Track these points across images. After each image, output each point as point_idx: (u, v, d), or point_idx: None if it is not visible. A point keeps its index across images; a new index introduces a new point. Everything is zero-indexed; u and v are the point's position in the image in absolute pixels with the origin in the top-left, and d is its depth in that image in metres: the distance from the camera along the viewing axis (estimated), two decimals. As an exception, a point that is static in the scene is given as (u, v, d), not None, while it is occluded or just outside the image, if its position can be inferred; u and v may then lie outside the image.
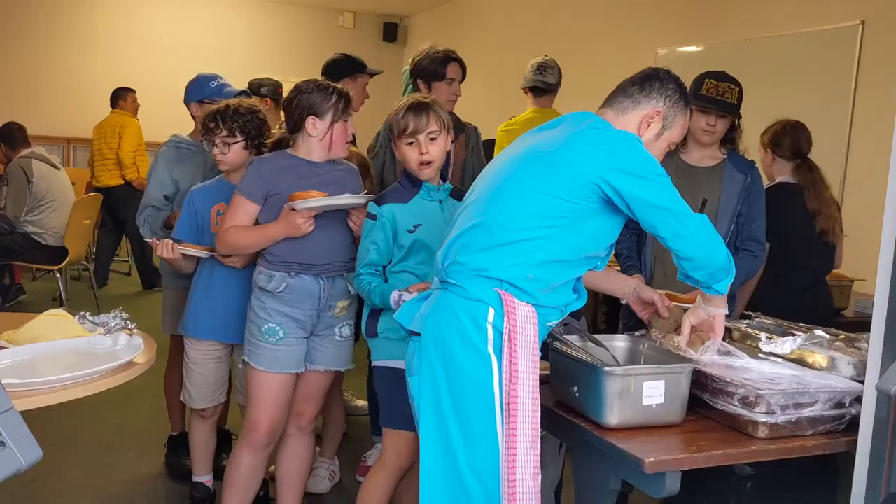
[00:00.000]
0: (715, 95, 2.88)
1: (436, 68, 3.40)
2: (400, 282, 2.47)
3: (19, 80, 8.99)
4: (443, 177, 2.65)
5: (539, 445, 1.91)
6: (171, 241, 2.83)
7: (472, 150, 3.47)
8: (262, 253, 2.66)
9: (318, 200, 2.53)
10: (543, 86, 4.27)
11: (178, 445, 3.49)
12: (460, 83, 3.45)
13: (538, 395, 1.92)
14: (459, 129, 3.46)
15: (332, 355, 2.75)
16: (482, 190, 2.05)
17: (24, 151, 5.88)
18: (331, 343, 2.74)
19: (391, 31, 10.49)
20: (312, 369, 2.73)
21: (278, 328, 2.62)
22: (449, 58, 3.41)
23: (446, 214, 2.50)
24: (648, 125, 2.06)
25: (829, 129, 4.41)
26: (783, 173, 3.48)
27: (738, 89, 2.91)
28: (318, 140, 2.64)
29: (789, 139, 3.46)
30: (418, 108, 2.48)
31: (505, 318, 1.90)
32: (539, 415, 1.91)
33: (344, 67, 3.92)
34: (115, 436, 3.93)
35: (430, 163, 2.49)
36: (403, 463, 2.54)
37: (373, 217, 2.52)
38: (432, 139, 2.49)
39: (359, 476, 3.48)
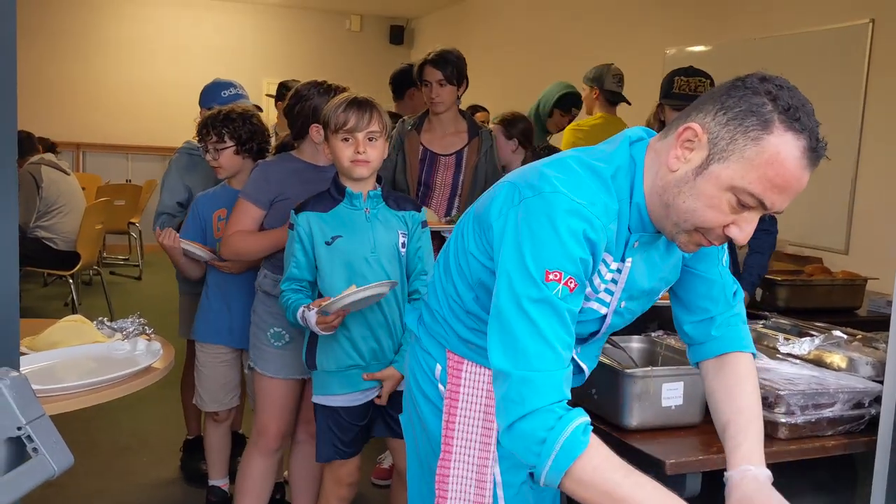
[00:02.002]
0: (688, 91, 2.88)
1: (417, 73, 3.40)
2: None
3: (29, 85, 9.04)
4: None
5: None
6: (172, 230, 2.85)
7: (485, 155, 3.42)
8: (266, 257, 2.64)
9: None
10: (620, 97, 4.30)
11: (194, 449, 3.51)
12: (441, 84, 3.32)
13: (487, 477, 1.56)
14: (473, 132, 3.44)
15: None
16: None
17: (34, 158, 5.91)
18: None
19: (398, 34, 10.51)
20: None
21: (284, 332, 2.60)
22: (424, 60, 3.37)
23: (374, 226, 2.30)
24: (684, 152, 1.30)
25: (839, 128, 4.41)
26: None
27: (709, 81, 2.91)
28: (316, 144, 2.59)
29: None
30: (361, 105, 2.26)
31: (448, 380, 1.60)
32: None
33: (409, 77, 4.00)
34: (131, 440, 3.94)
35: (366, 161, 2.25)
36: (343, 493, 2.48)
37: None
38: (371, 139, 2.25)
39: (374, 479, 3.49)
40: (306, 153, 2.65)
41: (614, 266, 1.42)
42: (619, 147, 1.41)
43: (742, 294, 1.63)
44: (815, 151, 1.24)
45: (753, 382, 1.55)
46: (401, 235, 2.35)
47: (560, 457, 1.22)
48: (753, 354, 1.60)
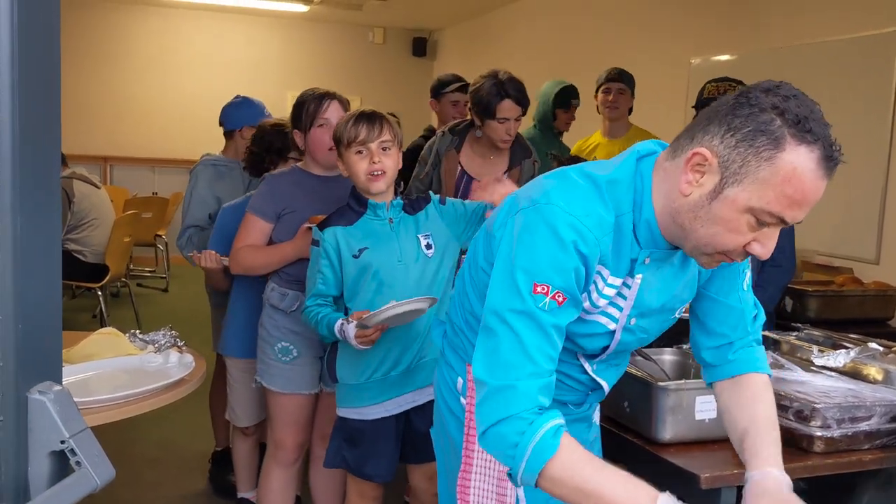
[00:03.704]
0: (715, 96, 2.87)
1: (486, 105, 3.09)
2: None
3: (57, 100, 9.15)
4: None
5: None
6: (213, 251, 2.84)
7: None
8: (275, 270, 2.63)
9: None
10: None
11: (223, 461, 3.52)
12: (518, 119, 3.11)
13: (507, 490, 1.56)
14: (516, 159, 3.19)
15: None
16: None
17: (65, 172, 5.97)
18: None
19: (420, 46, 10.55)
20: (328, 391, 2.66)
21: (292, 347, 2.58)
22: (501, 94, 3.06)
23: (398, 234, 2.30)
24: (696, 176, 1.27)
25: (868, 137, 4.37)
26: None
27: (738, 87, 2.89)
28: (307, 152, 2.63)
29: None
30: (371, 118, 2.28)
31: (467, 395, 1.61)
32: None
33: (431, 91, 4.10)
34: (160, 451, 3.97)
35: (382, 173, 2.26)
36: None
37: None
38: (384, 149, 2.28)
39: (407, 497, 3.46)
40: (312, 164, 2.66)
41: (613, 281, 1.39)
42: (625, 160, 1.39)
43: (763, 318, 1.58)
44: (831, 159, 1.21)
45: (770, 397, 1.52)
46: (422, 239, 2.33)
47: (532, 460, 1.25)
48: (770, 376, 1.57)
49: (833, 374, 2.10)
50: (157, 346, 2.40)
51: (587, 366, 1.55)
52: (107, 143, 9.45)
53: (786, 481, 1.36)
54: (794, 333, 2.45)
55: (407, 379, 2.34)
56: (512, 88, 3.08)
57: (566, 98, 4.45)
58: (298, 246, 2.52)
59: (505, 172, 3.18)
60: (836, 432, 1.88)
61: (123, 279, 6.70)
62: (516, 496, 1.58)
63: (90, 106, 9.36)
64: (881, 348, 2.19)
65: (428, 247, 2.33)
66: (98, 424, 1.97)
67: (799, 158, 1.19)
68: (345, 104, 2.65)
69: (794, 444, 1.91)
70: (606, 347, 1.50)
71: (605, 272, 1.37)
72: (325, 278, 2.28)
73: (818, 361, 2.14)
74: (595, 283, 1.37)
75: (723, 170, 1.23)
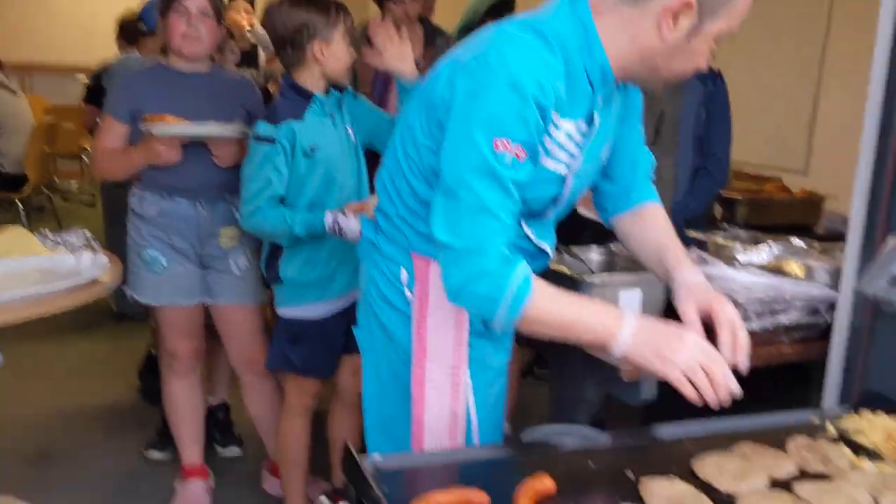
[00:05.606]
0: None
1: None
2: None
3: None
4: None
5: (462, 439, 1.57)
6: None
7: None
8: (137, 176, 2.46)
9: (177, 128, 2.20)
10: None
11: (154, 367, 3.44)
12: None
13: (461, 380, 1.55)
14: (429, 38, 3.10)
15: (233, 289, 2.53)
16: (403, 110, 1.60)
17: (-21, 77, 5.68)
18: (228, 276, 2.52)
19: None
20: (213, 304, 2.56)
21: (160, 255, 2.45)
22: None
23: (337, 128, 2.22)
24: (672, 23, 1.30)
25: (800, 51, 4.38)
26: None
27: None
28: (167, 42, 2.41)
29: None
30: None
31: (415, 283, 1.55)
32: (461, 418, 1.56)
33: None
34: (81, 364, 3.89)
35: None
36: (308, 402, 2.43)
37: (269, 140, 2.14)
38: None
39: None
40: (173, 57, 2.43)
41: (565, 125, 1.38)
42: (559, 8, 1.38)
43: (654, 163, 1.70)
44: None
45: (670, 223, 1.67)
46: (349, 130, 2.28)
47: (511, 308, 1.31)
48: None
49: (756, 270, 2.12)
50: (69, 246, 2.29)
51: (529, 231, 1.53)
52: (28, 51, 8.98)
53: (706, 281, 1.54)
54: (720, 233, 2.46)
55: (354, 278, 2.28)
56: None
57: (500, 10, 4.27)
58: (143, 153, 2.35)
59: (419, 58, 3.10)
60: (756, 325, 1.90)
61: (47, 191, 6.46)
62: (468, 374, 1.56)
63: (10, 11, 8.86)
64: (804, 245, 2.21)
65: (353, 136, 2.30)
66: (10, 330, 1.89)
67: None
68: None
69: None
70: (556, 198, 1.49)
71: (556, 116, 1.36)
72: (282, 177, 2.15)
73: (742, 258, 2.16)
74: (548, 130, 1.36)
75: (700, 9, 1.29)
